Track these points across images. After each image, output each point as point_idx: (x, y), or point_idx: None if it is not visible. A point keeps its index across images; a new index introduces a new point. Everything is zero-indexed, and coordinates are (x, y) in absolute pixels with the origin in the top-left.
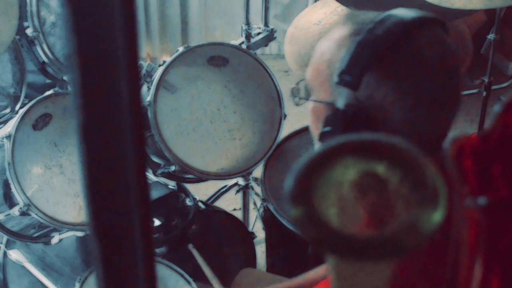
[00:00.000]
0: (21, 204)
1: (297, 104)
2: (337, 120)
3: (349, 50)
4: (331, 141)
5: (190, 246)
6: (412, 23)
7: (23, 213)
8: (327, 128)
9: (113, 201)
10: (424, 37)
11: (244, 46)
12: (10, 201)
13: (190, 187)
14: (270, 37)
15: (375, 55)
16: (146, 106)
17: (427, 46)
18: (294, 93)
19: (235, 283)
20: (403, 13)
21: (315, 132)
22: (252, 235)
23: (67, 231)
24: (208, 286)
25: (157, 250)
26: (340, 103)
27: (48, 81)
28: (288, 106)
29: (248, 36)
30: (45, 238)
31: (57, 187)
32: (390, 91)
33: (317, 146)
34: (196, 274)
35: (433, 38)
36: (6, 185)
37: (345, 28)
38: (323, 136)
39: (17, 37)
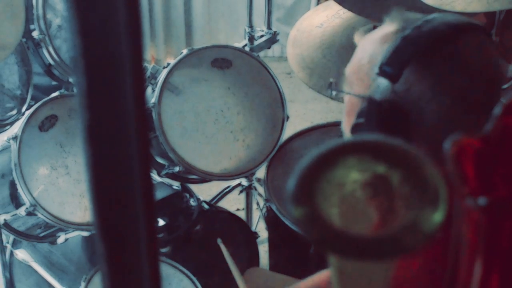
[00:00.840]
0: (28, 204)
1: (332, 98)
2: (371, 112)
3: (393, 44)
4: (333, 142)
5: (219, 241)
6: (458, 26)
7: (30, 213)
8: (361, 120)
9: (118, 202)
10: (468, 41)
11: (247, 49)
12: (16, 202)
13: (194, 187)
14: (273, 39)
15: (417, 51)
16: (151, 107)
17: (469, 50)
18: (332, 86)
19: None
20: (452, 17)
21: (346, 127)
22: (255, 235)
23: (73, 231)
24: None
25: (162, 250)
26: (377, 95)
27: (54, 83)
28: (291, 108)
29: (251, 39)
30: (51, 238)
31: (63, 188)
32: (428, 88)
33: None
34: (200, 272)
35: (476, 44)
36: (13, 185)
37: (390, 25)
38: (355, 128)
39: (24, 39)
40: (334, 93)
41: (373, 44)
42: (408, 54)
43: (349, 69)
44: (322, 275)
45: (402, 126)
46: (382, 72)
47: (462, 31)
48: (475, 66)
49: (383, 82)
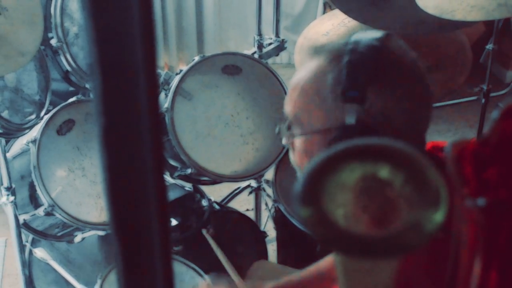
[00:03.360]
0: (46, 205)
1: (286, 144)
2: (349, 137)
3: (339, 73)
4: (337, 146)
5: (204, 232)
6: (381, 38)
7: (48, 214)
8: None
9: (132, 202)
10: (396, 47)
11: (256, 56)
12: (35, 202)
13: (205, 188)
14: (281, 47)
15: (370, 68)
16: (164, 112)
17: (401, 53)
18: (282, 134)
19: (249, 274)
20: (369, 33)
21: (303, 165)
22: (264, 234)
23: (89, 230)
24: (221, 276)
25: (174, 248)
26: (350, 119)
27: (71, 88)
28: None
29: (260, 46)
30: (68, 237)
31: (80, 189)
32: (388, 98)
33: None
34: (211, 270)
35: (401, 47)
36: (32, 187)
37: (316, 59)
38: None
39: (42, 47)
40: (285, 140)
41: (312, 80)
42: (364, 74)
43: (294, 110)
44: (325, 262)
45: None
46: (348, 98)
47: (387, 40)
48: (409, 65)
49: (350, 107)
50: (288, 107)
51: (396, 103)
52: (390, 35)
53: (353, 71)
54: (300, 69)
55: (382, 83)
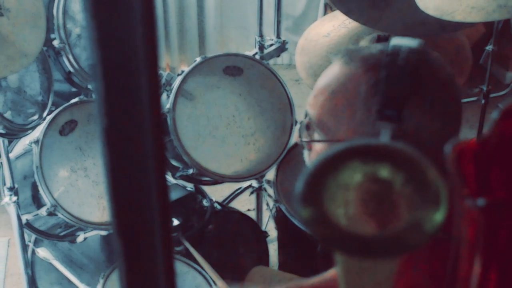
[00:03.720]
0: (49, 205)
1: (304, 143)
2: None
3: (373, 85)
4: (338, 146)
5: (180, 236)
6: (421, 49)
7: (50, 214)
8: None
9: (134, 202)
10: (433, 60)
11: (257, 57)
12: (38, 202)
13: (207, 189)
14: (282, 48)
15: (408, 86)
16: (166, 113)
17: (438, 68)
18: (301, 132)
19: (247, 279)
20: (407, 41)
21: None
22: (265, 234)
23: (92, 230)
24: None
25: (176, 248)
26: (385, 138)
27: (73, 89)
28: (299, 113)
29: (262, 47)
30: (71, 237)
31: (82, 189)
32: (422, 117)
33: None
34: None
35: (438, 59)
36: (34, 187)
37: (349, 64)
38: None
39: (45, 48)
40: (303, 139)
41: (344, 88)
42: (403, 93)
43: (320, 115)
44: (329, 274)
45: None
46: (384, 117)
47: (424, 53)
48: (445, 81)
49: (385, 125)
50: (313, 109)
51: (430, 122)
52: (426, 44)
53: (391, 88)
54: (328, 71)
55: (419, 101)
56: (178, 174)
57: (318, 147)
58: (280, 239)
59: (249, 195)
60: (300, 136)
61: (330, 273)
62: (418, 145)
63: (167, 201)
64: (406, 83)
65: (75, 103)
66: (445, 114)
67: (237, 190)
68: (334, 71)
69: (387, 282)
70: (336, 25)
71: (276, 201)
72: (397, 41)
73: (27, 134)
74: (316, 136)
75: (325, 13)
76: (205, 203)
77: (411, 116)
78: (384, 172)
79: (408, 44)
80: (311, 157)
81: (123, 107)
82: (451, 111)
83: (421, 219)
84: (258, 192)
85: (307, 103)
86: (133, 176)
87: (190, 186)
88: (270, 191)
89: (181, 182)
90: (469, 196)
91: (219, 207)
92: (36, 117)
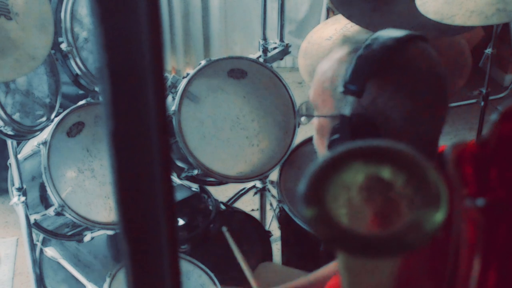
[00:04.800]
0: (56, 205)
1: (303, 123)
2: (344, 127)
3: (351, 64)
4: (341, 147)
5: (224, 229)
6: (401, 38)
7: (58, 214)
8: (336, 136)
9: (140, 202)
10: (413, 49)
11: (261, 60)
12: (46, 203)
13: (211, 189)
14: (285, 51)
15: (374, 66)
16: (171, 114)
17: (417, 56)
18: (300, 112)
19: (254, 275)
20: (393, 31)
21: (320, 146)
22: (268, 234)
23: (99, 230)
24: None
25: (181, 247)
26: (346, 111)
27: (81, 92)
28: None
29: (265, 51)
30: (78, 236)
31: (89, 189)
32: (390, 97)
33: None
34: (217, 268)
35: (421, 49)
36: (42, 187)
37: (342, 49)
38: (332, 144)
39: (53, 51)
40: (303, 119)
41: (331, 67)
42: (367, 70)
43: (313, 94)
44: (330, 268)
45: (373, 134)
46: (347, 90)
47: (407, 41)
48: (424, 68)
49: (349, 99)
50: (310, 90)
51: (399, 103)
52: (414, 36)
53: (358, 65)
54: (326, 56)
55: (387, 81)
56: (183, 175)
57: (314, 123)
58: (283, 238)
59: (253, 196)
60: (298, 114)
61: (330, 268)
62: (383, 123)
63: (173, 201)
64: (373, 62)
65: (82, 105)
66: (416, 100)
67: (241, 190)
68: (330, 55)
69: (388, 281)
70: (338, 29)
71: (279, 201)
72: (386, 30)
73: (35, 136)
74: (312, 113)
75: (327, 17)
76: (209, 203)
77: (377, 93)
78: (386, 173)
79: (392, 34)
80: (314, 134)
81: (129, 109)
82: (425, 98)
83: (422, 219)
84: (262, 192)
85: None
86: (139, 176)
87: (195, 187)
88: (274, 191)
89: (186, 182)
90: (469, 196)
91: (223, 207)
92: (44, 119)
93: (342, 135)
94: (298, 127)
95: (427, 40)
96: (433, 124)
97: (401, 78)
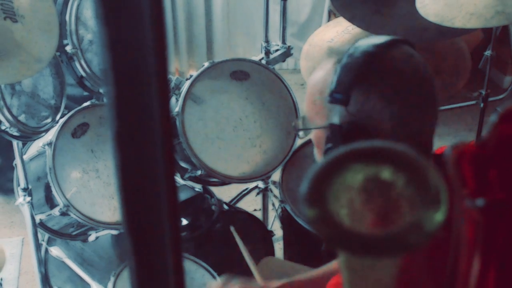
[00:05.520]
0: (61, 205)
1: (301, 137)
2: (335, 135)
3: (335, 74)
4: (342, 148)
5: (232, 229)
6: (381, 44)
7: (63, 213)
8: (329, 145)
9: (144, 202)
10: (396, 53)
11: (263, 62)
12: (51, 203)
13: (214, 189)
14: (287, 53)
15: (356, 73)
16: (175, 116)
17: (399, 60)
18: (296, 127)
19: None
20: (375, 38)
21: (319, 156)
22: (271, 233)
23: (103, 229)
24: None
25: (185, 247)
26: (336, 120)
27: (85, 93)
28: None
29: (268, 53)
30: (83, 236)
31: (94, 190)
32: (376, 101)
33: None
34: (220, 267)
35: (403, 53)
36: (48, 188)
37: (329, 61)
38: (327, 153)
39: (58, 53)
40: (301, 133)
41: (320, 79)
42: (350, 78)
43: (306, 107)
44: (331, 266)
45: (364, 139)
46: (333, 100)
47: (388, 46)
48: (408, 71)
49: (338, 108)
50: (304, 104)
51: (385, 106)
52: (396, 41)
53: (342, 74)
54: (315, 70)
55: (371, 87)
56: (186, 175)
57: (311, 136)
58: (285, 238)
59: (256, 196)
60: (295, 130)
61: (331, 266)
62: (373, 128)
63: (176, 202)
64: (355, 70)
65: (87, 107)
66: (403, 101)
67: (244, 191)
68: (318, 68)
69: (389, 280)
70: (339, 31)
71: (281, 201)
72: (363, 40)
73: (40, 137)
74: (307, 126)
75: (329, 19)
76: (213, 203)
77: (363, 99)
78: (386, 173)
79: (372, 41)
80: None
81: (133, 111)
82: (412, 100)
83: (422, 219)
84: (264, 192)
85: None
86: (143, 177)
87: (198, 187)
88: (276, 191)
89: (189, 183)
90: (469, 197)
91: (226, 207)
92: (49, 120)
93: (334, 144)
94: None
95: (411, 44)
96: (424, 124)
97: (385, 82)
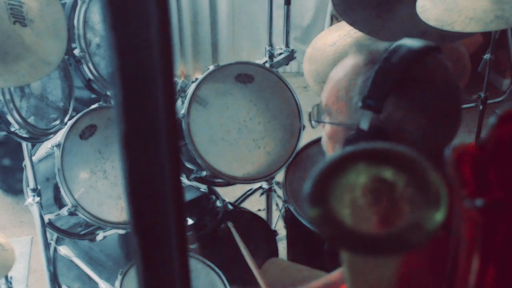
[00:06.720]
0: (69, 205)
1: (313, 127)
2: (360, 139)
3: (369, 77)
4: (344, 150)
5: (230, 224)
6: (421, 50)
7: (71, 213)
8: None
9: (151, 203)
10: (432, 62)
11: (267, 65)
12: (59, 203)
13: (219, 190)
14: (290, 57)
15: (393, 81)
16: (181, 118)
17: (434, 69)
18: (312, 115)
19: (261, 271)
20: (411, 42)
21: (330, 150)
22: (274, 233)
23: (110, 229)
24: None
25: (190, 246)
26: (364, 125)
27: (93, 96)
28: (307, 118)
29: (271, 56)
30: (90, 236)
31: (102, 190)
32: (406, 112)
33: None
34: (225, 267)
35: (439, 63)
36: (56, 188)
37: (357, 57)
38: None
39: (66, 57)
40: (314, 123)
41: (346, 76)
42: (387, 87)
43: (326, 99)
44: (335, 274)
45: None
46: (365, 105)
47: (425, 54)
48: (441, 83)
49: (367, 112)
50: (323, 95)
51: (415, 118)
52: (433, 48)
53: (378, 80)
54: (340, 63)
55: (404, 96)
56: (192, 176)
57: (326, 128)
58: (288, 237)
59: (260, 196)
60: (310, 118)
61: (336, 274)
62: (400, 137)
63: (182, 202)
64: (392, 78)
65: (95, 109)
66: (431, 113)
67: (248, 191)
68: (344, 62)
69: (390, 279)
70: (342, 35)
71: (285, 201)
72: (403, 41)
73: (49, 138)
74: (324, 119)
75: (331, 23)
76: (218, 203)
77: (394, 108)
78: (388, 174)
79: (410, 45)
80: (324, 137)
81: (140, 113)
82: (439, 112)
83: (423, 219)
84: (268, 193)
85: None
86: (149, 178)
87: (203, 188)
88: (280, 192)
89: (195, 183)
90: (468, 197)
91: (231, 207)
92: (58, 122)
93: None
94: (303, 130)
95: (442, 52)
96: (446, 139)
97: (418, 92)
